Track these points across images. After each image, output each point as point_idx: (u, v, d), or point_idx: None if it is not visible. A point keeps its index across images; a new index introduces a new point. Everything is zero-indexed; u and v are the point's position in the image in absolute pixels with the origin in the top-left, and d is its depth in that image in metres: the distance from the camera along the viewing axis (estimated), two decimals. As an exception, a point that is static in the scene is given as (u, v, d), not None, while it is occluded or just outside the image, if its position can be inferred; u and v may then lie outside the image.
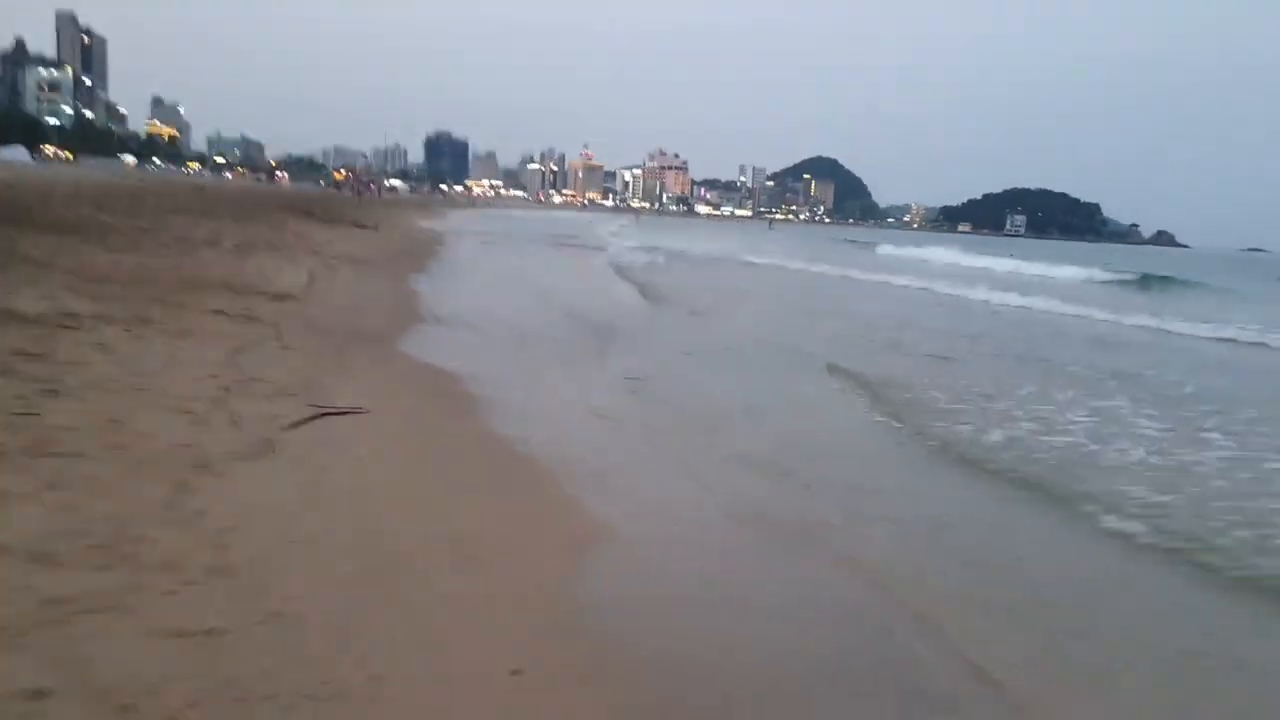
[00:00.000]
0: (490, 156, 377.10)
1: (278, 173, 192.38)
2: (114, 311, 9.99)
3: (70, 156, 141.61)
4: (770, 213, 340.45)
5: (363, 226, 37.51)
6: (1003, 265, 52.76)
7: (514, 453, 7.65)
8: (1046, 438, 9.69)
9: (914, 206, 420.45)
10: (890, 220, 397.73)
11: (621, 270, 31.40)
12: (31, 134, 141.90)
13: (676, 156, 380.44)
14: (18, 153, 62.43)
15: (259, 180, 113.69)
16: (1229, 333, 22.95)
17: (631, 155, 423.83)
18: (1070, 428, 10.27)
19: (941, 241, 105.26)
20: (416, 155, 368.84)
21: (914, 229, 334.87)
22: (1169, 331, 23.10)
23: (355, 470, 6.39)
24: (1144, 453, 9.22)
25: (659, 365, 12.92)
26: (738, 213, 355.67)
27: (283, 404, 7.60)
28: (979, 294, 30.10)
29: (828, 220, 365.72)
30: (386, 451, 7.01)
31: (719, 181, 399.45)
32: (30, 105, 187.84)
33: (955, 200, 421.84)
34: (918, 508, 7.26)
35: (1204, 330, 23.33)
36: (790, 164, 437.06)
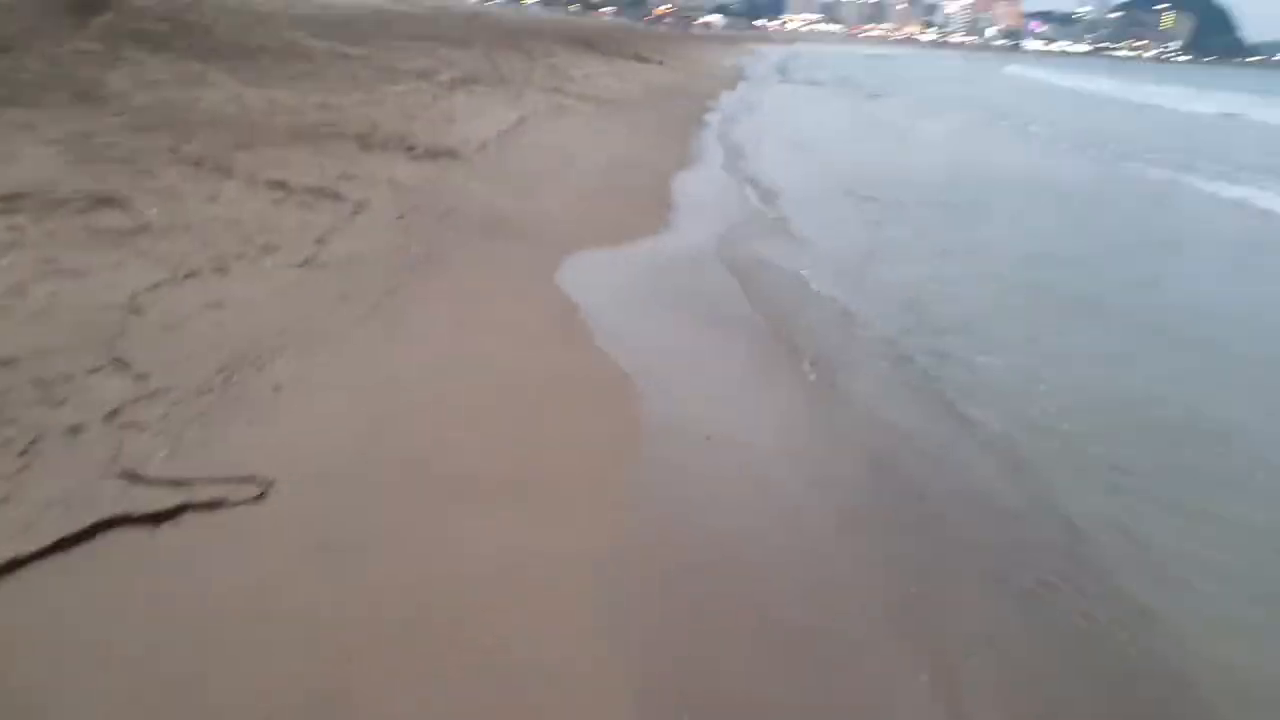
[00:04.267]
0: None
1: (606, 8, 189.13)
2: (107, 185, 5.84)
3: None
4: (1110, 49, 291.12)
5: (645, 60, 32.40)
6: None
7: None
8: None
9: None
10: (1258, 58, 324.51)
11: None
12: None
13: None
14: None
15: (574, 12, 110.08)
16: None
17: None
18: None
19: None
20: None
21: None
22: None
23: None
24: None
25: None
26: (1071, 48, 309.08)
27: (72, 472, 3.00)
28: None
29: (1181, 58, 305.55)
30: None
31: (1055, 13, 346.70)
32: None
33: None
34: None
35: None
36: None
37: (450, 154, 9.64)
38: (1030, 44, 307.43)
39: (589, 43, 33.50)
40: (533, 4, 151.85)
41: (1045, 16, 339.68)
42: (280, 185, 6.95)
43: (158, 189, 6.18)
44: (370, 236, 6.26)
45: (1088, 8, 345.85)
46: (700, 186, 10.77)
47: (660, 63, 33.32)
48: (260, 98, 10.31)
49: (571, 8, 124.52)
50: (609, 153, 12.16)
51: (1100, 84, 57.96)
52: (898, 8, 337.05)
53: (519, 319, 5.36)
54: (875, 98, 32.55)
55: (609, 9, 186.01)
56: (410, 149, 9.43)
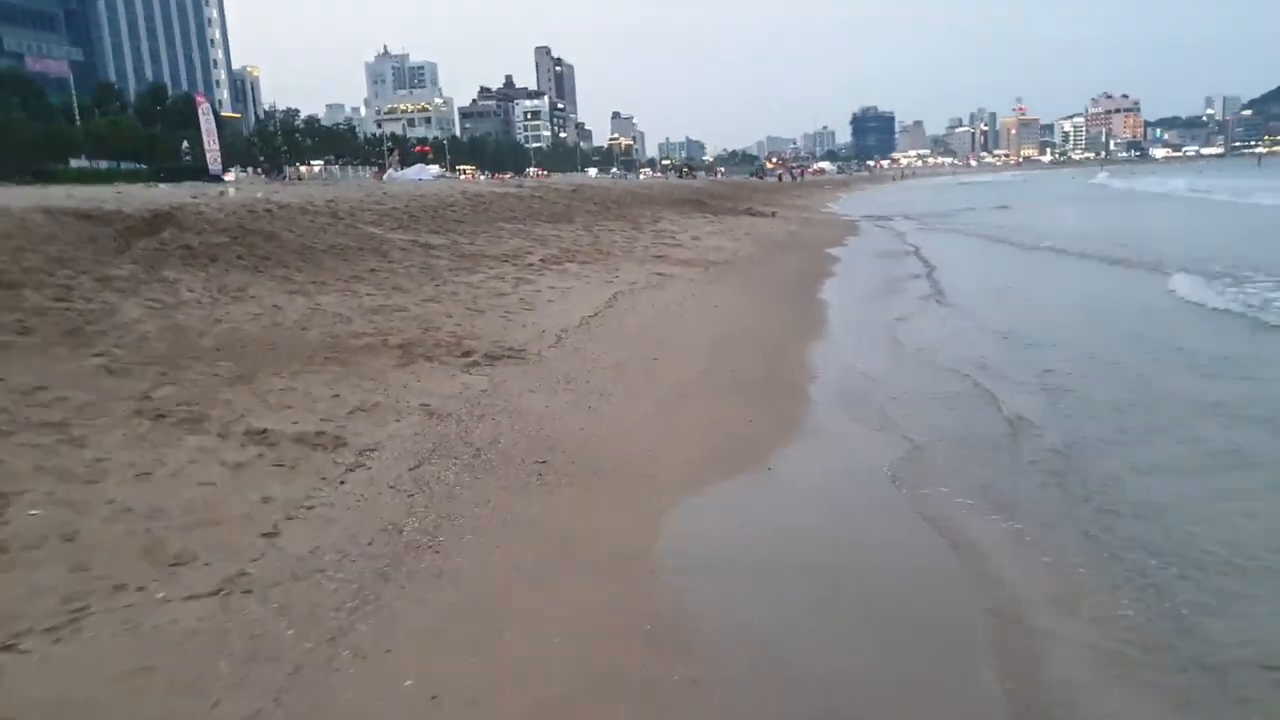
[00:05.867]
0: (917, 126, 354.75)
1: (719, 169, 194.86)
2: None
3: (546, 174, 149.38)
4: (1249, 147, 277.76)
5: (757, 214, 31.17)
6: None
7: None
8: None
9: None
10: None
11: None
12: (519, 159, 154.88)
13: (1125, 97, 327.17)
14: (420, 170, 63.54)
15: (684, 176, 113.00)
16: None
17: (1072, 104, 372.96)
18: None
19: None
20: (844, 135, 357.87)
21: None
22: None
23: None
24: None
25: None
26: (1204, 151, 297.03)
27: None
28: None
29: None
30: None
31: (1179, 119, 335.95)
32: (518, 133, 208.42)
33: None
34: None
35: None
36: (1274, 86, 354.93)
37: (515, 355, 7.84)
38: (1158, 152, 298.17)
39: (700, 203, 32.70)
40: (654, 175, 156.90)
41: (1170, 123, 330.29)
42: (260, 437, 5.16)
43: (74, 467, 4.46)
44: (355, 513, 4.31)
45: (1211, 110, 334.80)
46: (839, 365, 8.58)
47: (773, 214, 32.09)
48: (303, 307, 8.90)
49: (684, 174, 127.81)
50: (717, 327, 10.21)
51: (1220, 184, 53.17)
52: (1010, 133, 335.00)
53: (565, 679, 3.18)
54: (994, 240, 28.84)
55: (721, 169, 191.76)
56: (467, 354, 7.68)
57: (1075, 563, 4.17)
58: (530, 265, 13.57)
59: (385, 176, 61.04)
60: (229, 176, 57.54)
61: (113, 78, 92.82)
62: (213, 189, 20.68)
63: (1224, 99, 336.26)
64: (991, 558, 4.29)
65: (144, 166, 61.36)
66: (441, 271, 12.01)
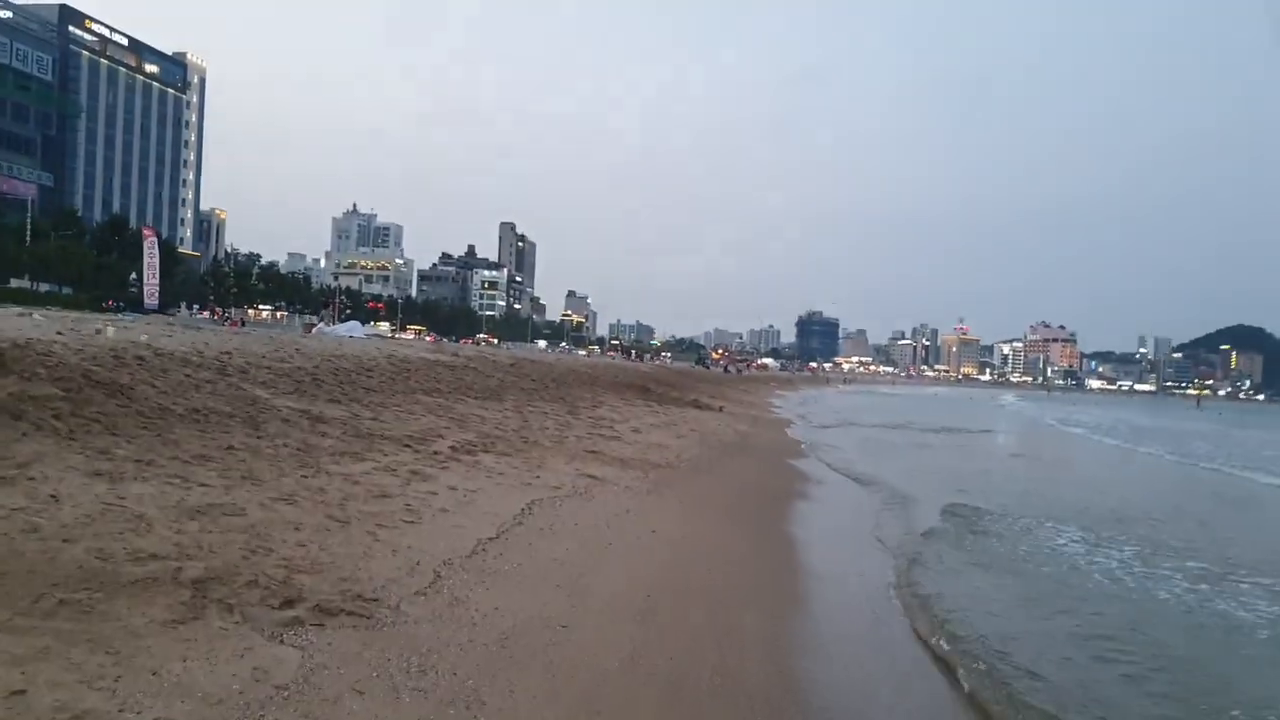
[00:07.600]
0: (860, 334, 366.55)
1: (663, 354, 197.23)
2: None
3: (495, 341, 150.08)
4: (1179, 388, 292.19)
5: (704, 407, 29.40)
6: None
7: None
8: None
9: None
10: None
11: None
12: (472, 325, 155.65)
13: (1062, 329, 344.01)
14: (353, 327, 61.92)
15: (633, 359, 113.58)
16: None
17: (1010, 329, 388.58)
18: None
19: None
20: (789, 335, 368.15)
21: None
22: None
23: None
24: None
25: None
26: (1137, 387, 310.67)
27: None
28: None
29: (1258, 397, 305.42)
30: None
31: (1113, 354, 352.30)
32: (474, 300, 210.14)
33: None
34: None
35: None
36: (1201, 333, 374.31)
37: (361, 608, 5.48)
38: (1093, 383, 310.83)
39: (644, 389, 31.02)
40: (610, 355, 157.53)
41: (1105, 356, 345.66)
42: None
43: None
44: None
45: (1144, 349, 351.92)
46: (830, 661, 6.32)
47: (720, 409, 30.35)
48: (93, 501, 6.49)
49: (632, 355, 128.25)
50: (654, 568, 7.96)
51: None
52: (951, 350, 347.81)
53: None
54: (972, 478, 27.74)
55: (667, 354, 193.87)
56: (289, 603, 5.31)
57: None
58: (436, 454, 11.31)
59: (314, 330, 59.18)
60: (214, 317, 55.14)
61: (78, 205, 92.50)
62: (91, 325, 18.30)
63: (1155, 339, 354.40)
64: None
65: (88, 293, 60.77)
66: (320, 455, 9.69)
